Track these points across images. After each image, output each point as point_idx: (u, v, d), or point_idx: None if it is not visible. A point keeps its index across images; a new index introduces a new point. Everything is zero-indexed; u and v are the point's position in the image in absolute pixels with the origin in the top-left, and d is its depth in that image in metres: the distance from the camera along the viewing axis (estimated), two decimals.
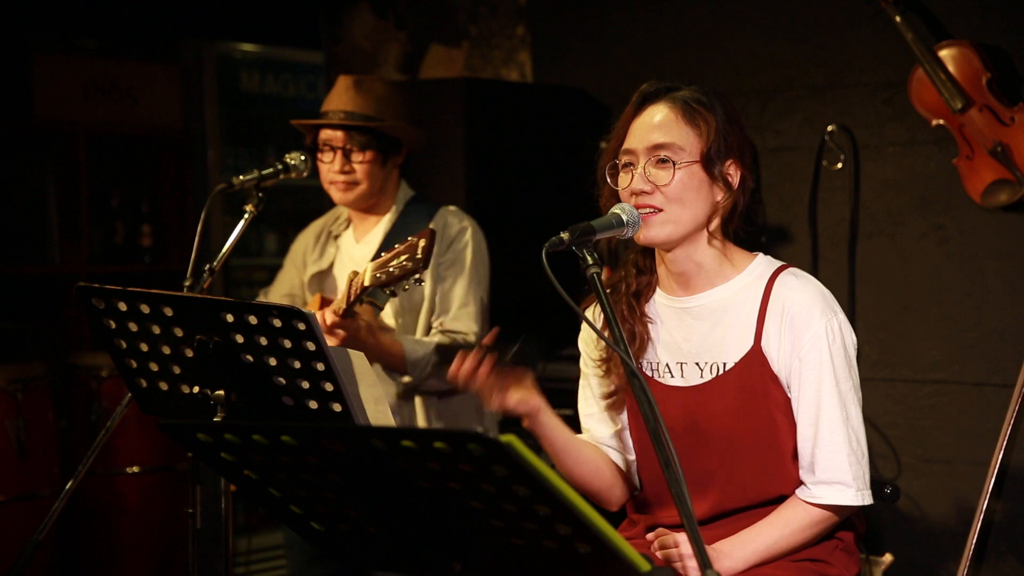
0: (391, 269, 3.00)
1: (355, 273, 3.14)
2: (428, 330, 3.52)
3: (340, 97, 3.57)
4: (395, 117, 3.59)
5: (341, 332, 3.15)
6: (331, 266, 3.66)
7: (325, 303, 3.43)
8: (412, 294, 3.47)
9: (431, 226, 3.54)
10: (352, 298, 3.10)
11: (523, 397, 2.48)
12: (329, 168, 3.52)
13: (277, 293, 3.80)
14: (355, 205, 3.59)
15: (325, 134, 3.54)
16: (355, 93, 3.58)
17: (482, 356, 2.44)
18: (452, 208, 3.63)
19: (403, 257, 2.98)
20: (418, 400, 3.51)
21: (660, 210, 2.43)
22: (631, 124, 2.50)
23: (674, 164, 2.43)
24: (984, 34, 3.65)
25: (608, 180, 2.51)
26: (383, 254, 3.07)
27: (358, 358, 2.50)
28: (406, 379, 3.41)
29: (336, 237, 3.69)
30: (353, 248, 3.66)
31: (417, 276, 2.99)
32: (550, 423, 2.53)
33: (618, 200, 2.50)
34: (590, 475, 2.61)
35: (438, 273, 3.54)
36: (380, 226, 3.63)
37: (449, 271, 3.54)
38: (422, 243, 2.94)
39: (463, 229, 3.59)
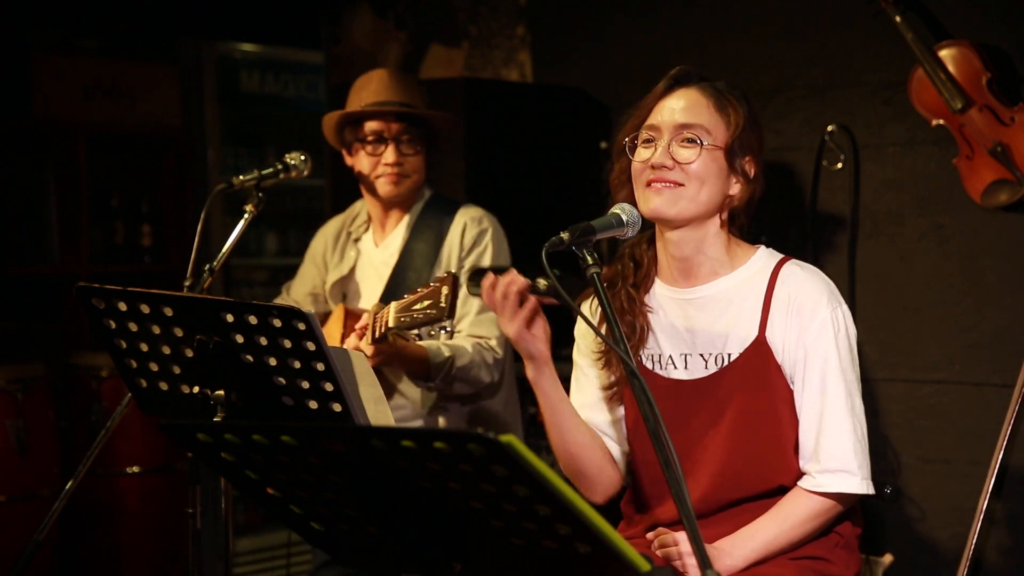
0: (415, 315, 2.93)
1: (380, 305, 3.10)
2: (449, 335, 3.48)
3: (387, 89, 3.50)
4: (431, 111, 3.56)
5: (379, 358, 3.11)
6: (352, 270, 3.61)
7: (350, 315, 3.40)
8: None
9: (458, 225, 3.49)
10: (377, 335, 3.06)
11: (540, 335, 2.45)
12: (378, 160, 3.46)
13: (300, 291, 3.74)
14: (398, 199, 3.52)
15: (376, 125, 3.46)
16: (401, 85, 3.52)
17: (516, 275, 2.40)
18: (473, 210, 3.56)
19: (426, 303, 2.91)
20: (441, 419, 3.47)
21: (681, 184, 2.43)
22: (659, 102, 2.51)
23: (700, 144, 2.43)
24: (984, 34, 3.65)
25: (626, 152, 2.51)
26: (407, 295, 3.00)
27: (358, 358, 2.49)
28: (431, 385, 3.34)
29: (356, 240, 3.64)
30: (373, 252, 3.60)
31: (442, 324, 2.94)
32: (552, 379, 2.50)
33: (629, 178, 2.50)
34: (581, 449, 2.58)
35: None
36: (399, 229, 3.57)
37: None
38: (444, 290, 2.86)
39: (483, 231, 3.53)
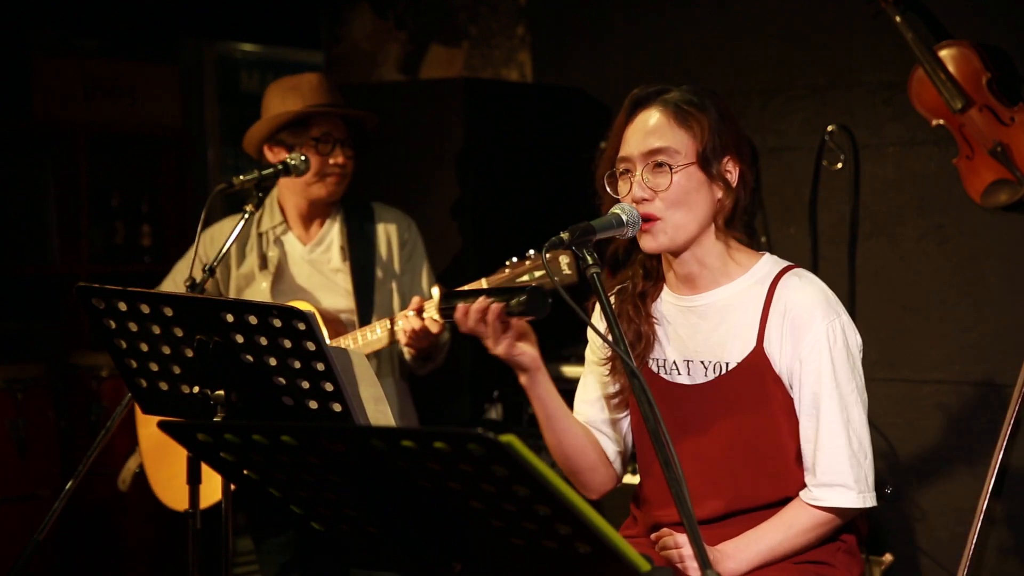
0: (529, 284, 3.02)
1: (441, 287, 3.23)
2: None
3: (328, 93, 3.59)
4: None
5: (437, 337, 3.29)
6: (279, 269, 3.64)
7: (325, 317, 3.43)
8: (381, 289, 3.59)
9: (384, 222, 3.62)
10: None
11: (526, 348, 2.48)
12: (325, 160, 3.53)
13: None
14: (335, 199, 3.61)
15: (327, 126, 3.53)
16: (336, 90, 3.63)
17: (490, 302, 2.43)
18: (388, 206, 3.71)
19: (540, 273, 2.98)
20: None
21: (659, 219, 2.44)
22: (625, 130, 2.51)
23: (670, 168, 2.43)
24: (984, 34, 3.65)
25: (608, 189, 2.51)
26: (505, 270, 3.05)
27: (358, 358, 2.49)
28: (429, 365, 3.52)
29: (276, 240, 3.67)
30: (301, 250, 3.65)
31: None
32: (546, 385, 2.54)
33: None
34: (576, 451, 2.62)
35: (401, 267, 3.64)
36: (331, 229, 3.65)
37: (409, 263, 3.65)
38: (565, 259, 2.89)
39: (410, 226, 3.70)
